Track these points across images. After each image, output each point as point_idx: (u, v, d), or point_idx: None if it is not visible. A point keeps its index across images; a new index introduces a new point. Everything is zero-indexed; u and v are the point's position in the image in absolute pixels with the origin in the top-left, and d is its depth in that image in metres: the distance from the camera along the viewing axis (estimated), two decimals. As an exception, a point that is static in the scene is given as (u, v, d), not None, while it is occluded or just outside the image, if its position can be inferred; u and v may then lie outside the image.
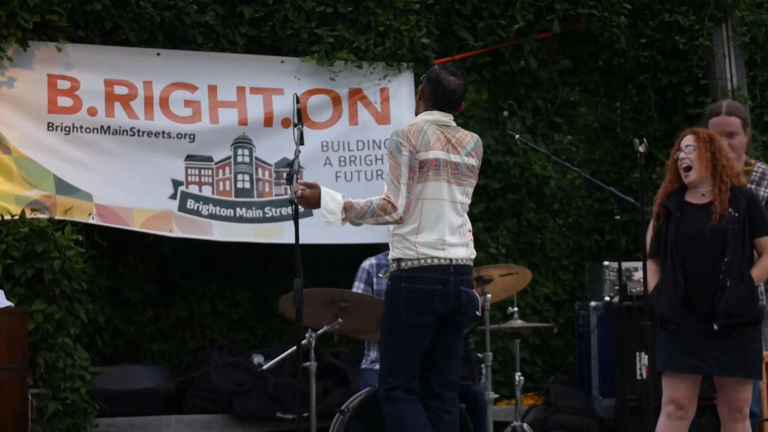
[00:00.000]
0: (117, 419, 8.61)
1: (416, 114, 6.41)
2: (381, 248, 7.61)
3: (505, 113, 7.89)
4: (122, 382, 8.68)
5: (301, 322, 6.11)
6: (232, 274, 9.61)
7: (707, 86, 9.93)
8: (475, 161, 6.32)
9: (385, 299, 6.25)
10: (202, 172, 9.03)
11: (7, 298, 7.51)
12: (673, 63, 10.01)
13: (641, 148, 6.86)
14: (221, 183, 9.05)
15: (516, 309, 7.79)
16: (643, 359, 8.77)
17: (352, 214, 6.14)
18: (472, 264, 6.30)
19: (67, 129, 8.74)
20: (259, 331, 9.69)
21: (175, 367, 9.37)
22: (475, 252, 6.33)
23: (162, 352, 9.48)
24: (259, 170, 9.13)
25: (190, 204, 8.94)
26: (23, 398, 6.86)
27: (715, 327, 6.21)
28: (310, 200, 6.16)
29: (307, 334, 6.91)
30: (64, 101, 8.75)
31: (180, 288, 9.56)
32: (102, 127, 8.81)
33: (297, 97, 6.42)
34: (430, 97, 6.29)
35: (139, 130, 8.89)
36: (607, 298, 9.35)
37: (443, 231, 6.15)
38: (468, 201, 6.31)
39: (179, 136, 8.98)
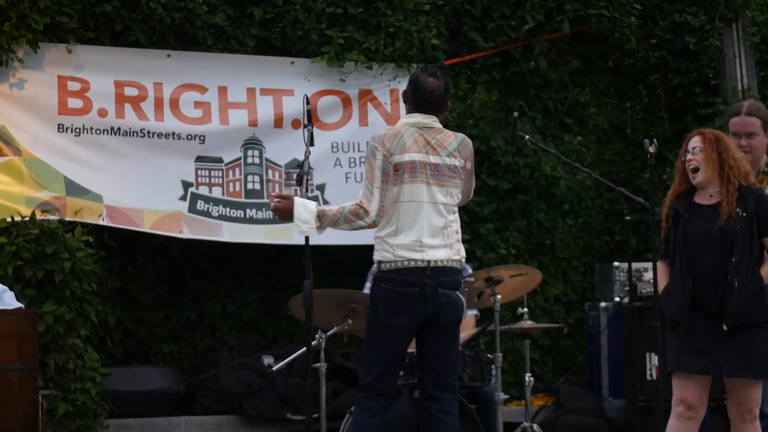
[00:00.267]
0: (127, 420, 8.62)
1: None
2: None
3: (515, 114, 7.89)
4: (132, 384, 8.69)
5: (310, 323, 6.11)
6: (242, 275, 9.61)
7: (717, 86, 9.92)
8: (458, 161, 6.27)
9: (369, 299, 6.30)
10: (212, 173, 9.03)
11: (18, 300, 7.50)
12: (683, 63, 10.00)
13: (651, 149, 6.86)
14: (231, 184, 9.05)
15: (526, 310, 7.78)
16: (653, 360, 8.77)
17: (326, 222, 6.15)
18: (458, 265, 6.25)
19: (78, 130, 8.74)
20: (269, 333, 9.69)
21: (185, 368, 9.37)
22: (462, 253, 6.28)
23: (172, 353, 9.48)
24: (269, 171, 9.12)
25: (200, 205, 8.94)
26: (33, 400, 6.85)
27: (725, 327, 6.19)
28: (283, 212, 6.19)
29: (316, 335, 6.93)
30: (75, 102, 8.75)
31: (190, 289, 9.56)
32: (112, 128, 8.81)
33: (307, 98, 6.45)
34: (411, 100, 6.32)
35: (149, 132, 8.89)
36: (617, 299, 9.35)
37: (421, 233, 6.15)
38: (453, 201, 6.28)
39: (189, 137, 8.97)
